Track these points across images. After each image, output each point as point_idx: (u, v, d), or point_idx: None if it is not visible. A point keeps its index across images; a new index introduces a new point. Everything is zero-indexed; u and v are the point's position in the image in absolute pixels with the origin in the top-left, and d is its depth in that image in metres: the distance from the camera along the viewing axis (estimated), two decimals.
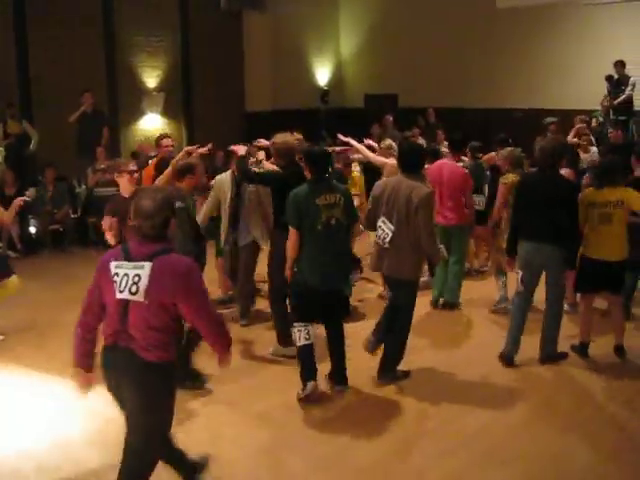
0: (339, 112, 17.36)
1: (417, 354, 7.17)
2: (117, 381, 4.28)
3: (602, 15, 14.48)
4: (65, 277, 10.22)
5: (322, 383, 6.49)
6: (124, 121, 14.87)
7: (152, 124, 15.17)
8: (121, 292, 4.14)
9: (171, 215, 4.27)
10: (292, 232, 6.34)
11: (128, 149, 14.12)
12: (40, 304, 9.10)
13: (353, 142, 8.89)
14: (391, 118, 15.22)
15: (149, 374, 4.20)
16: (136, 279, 4.12)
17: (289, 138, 7.47)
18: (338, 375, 6.58)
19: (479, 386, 6.72)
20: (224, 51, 16.35)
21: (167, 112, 15.53)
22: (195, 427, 5.96)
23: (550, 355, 7.08)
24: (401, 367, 6.81)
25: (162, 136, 9.84)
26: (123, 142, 14.69)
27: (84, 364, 4.42)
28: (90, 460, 5.56)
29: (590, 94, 14.03)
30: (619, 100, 13.74)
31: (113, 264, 4.20)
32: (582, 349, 7.21)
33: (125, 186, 6.98)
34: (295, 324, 6.41)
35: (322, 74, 18.14)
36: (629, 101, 13.78)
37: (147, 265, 4.12)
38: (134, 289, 4.12)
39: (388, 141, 9.52)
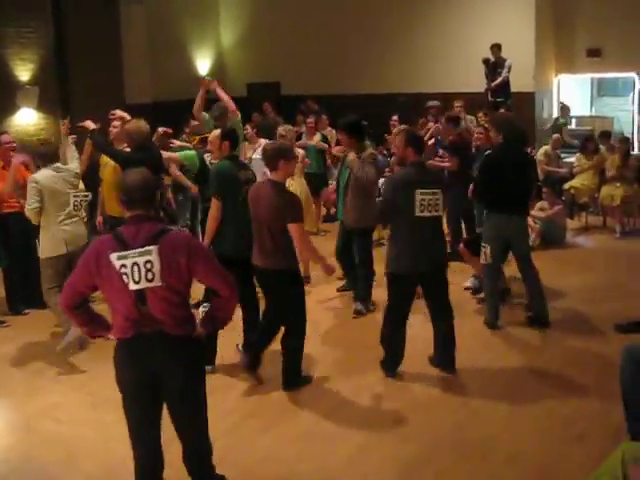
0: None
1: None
2: (153, 369, 4.09)
3: None
4: None
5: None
6: None
7: (27, 119, 14.60)
8: (137, 283, 3.98)
9: (157, 188, 4.23)
10: None
11: None
12: None
13: None
14: (270, 105, 15.20)
15: (189, 349, 4.16)
16: (149, 265, 3.98)
17: (142, 124, 7.65)
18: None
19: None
20: (101, 42, 15.83)
21: (42, 107, 14.95)
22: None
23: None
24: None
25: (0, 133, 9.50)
26: None
27: (99, 330, 4.38)
28: None
29: (470, 77, 14.34)
30: (496, 82, 14.06)
31: (114, 256, 3.99)
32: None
33: None
34: None
35: (203, 64, 17.88)
36: (506, 83, 14.11)
37: (154, 248, 3.99)
38: (150, 276, 3.99)
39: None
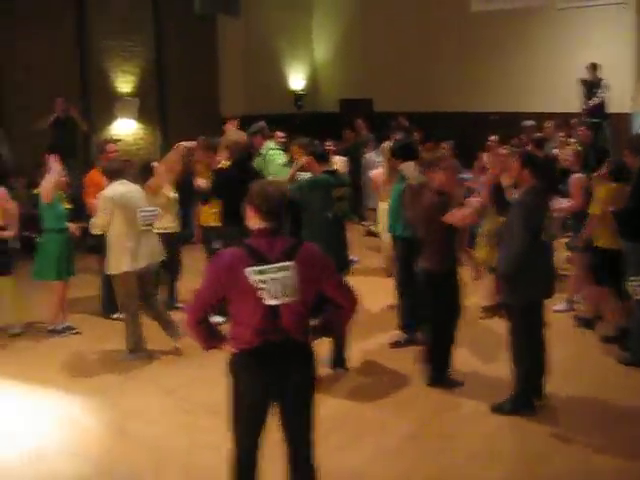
0: (314, 117, 17.34)
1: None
2: (279, 375, 4.10)
3: (575, 19, 14.57)
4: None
5: None
6: (97, 127, 14.72)
7: (126, 129, 15.06)
8: (275, 298, 3.97)
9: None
10: None
11: None
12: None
13: None
14: (362, 122, 15.25)
15: (312, 355, 4.22)
16: (288, 281, 3.98)
17: (240, 136, 8.02)
18: None
19: None
20: (198, 56, 16.26)
21: (141, 117, 15.41)
22: None
23: None
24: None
25: (107, 141, 9.59)
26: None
27: (216, 343, 4.30)
28: (67, 470, 5.49)
29: (563, 97, 14.14)
30: (593, 103, 13.83)
31: (250, 270, 3.96)
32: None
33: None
34: None
35: (296, 79, 18.11)
36: (602, 104, 13.87)
37: (290, 264, 4.00)
38: (288, 291, 3.99)
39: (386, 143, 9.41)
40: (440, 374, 6.72)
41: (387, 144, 9.18)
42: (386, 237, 8.79)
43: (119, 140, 12.17)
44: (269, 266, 3.97)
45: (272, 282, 3.96)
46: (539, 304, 6.19)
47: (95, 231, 7.59)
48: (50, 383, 7.06)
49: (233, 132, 8.22)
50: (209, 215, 8.55)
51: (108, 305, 8.65)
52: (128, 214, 7.45)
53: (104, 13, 14.61)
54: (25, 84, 13.42)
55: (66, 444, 5.91)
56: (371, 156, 12.22)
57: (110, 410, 6.50)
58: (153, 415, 6.36)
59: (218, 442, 5.48)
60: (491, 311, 8.31)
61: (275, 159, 9.55)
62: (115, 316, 8.54)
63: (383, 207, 8.86)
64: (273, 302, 3.98)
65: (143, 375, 7.25)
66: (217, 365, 6.78)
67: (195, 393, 6.71)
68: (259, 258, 3.99)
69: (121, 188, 7.49)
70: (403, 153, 7.85)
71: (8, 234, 8.30)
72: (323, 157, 7.26)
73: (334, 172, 7.30)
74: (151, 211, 7.77)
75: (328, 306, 4.33)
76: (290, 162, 9.02)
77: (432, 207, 6.53)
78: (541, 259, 6.05)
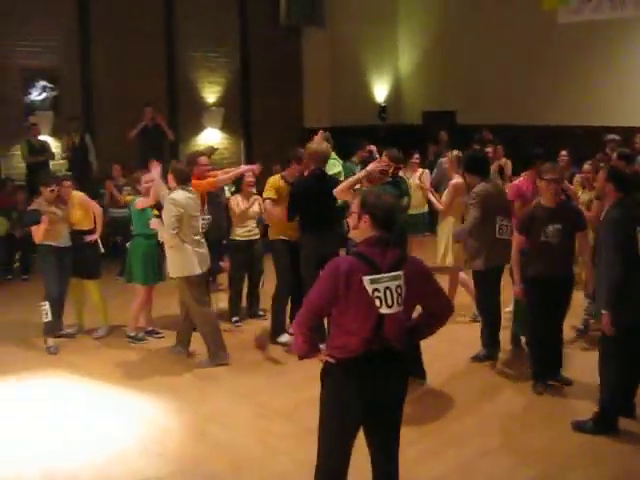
0: (397, 129, 17.34)
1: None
2: (378, 385, 4.08)
3: None
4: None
5: None
6: (184, 136, 15.05)
7: (211, 139, 15.34)
8: (389, 307, 3.99)
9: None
10: None
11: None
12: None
13: None
14: (445, 135, 15.18)
15: (406, 368, 4.23)
16: (399, 290, 4.02)
17: (321, 146, 8.06)
18: None
19: None
20: (283, 67, 16.46)
21: (226, 127, 15.69)
22: None
23: None
24: None
25: (199, 153, 9.50)
26: (182, 157, 14.87)
27: (314, 352, 4.26)
28: (147, 470, 5.63)
29: None
30: None
31: (366, 279, 3.98)
32: None
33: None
34: None
35: (380, 90, 18.13)
36: None
37: (401, 274, 4.04)
38: (400, 300, 4.03)
39: (455, 151, 9.34)
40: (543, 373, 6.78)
41: (453, 153, 9.13)
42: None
43: (217, 149, 12.36)
44: (384, 275, 3.99)
45: (386, 291, 3.98)
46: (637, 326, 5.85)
47: (170, 241, 7.64)
48: (132, 385, 7.25)
49: (315, 141, 8.27)
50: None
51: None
52: (189, 220, 7.59)
53: (191, 26, 14.95)
54: (115, 94, 13.83)
55: (147, 444, 6.03)
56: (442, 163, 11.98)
57: (190, 413, 6.62)
58: (231, 420, 6.45)
59: (294, 449, 5.57)
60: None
61: (330, 168, 9.55)
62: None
63: (447, 223, 8.85)
64: (387, 311, 3.99)
65: (223, 380, 7.36)
66: (294, 373, 6.95)
67: (272, 399, 6.79)
68: (373, 267, 4.01)
69: (184, 193, 7.62)
70: (473, 166, 7.77)
71: (92, 237, 8.60)
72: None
73: (397, 182, 7.31)
74: (206, 219, 7.97)
75: (422, 312, 4.35)
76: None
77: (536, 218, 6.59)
78: (636, 279, 5.76)
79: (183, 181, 7.65)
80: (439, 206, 8.93)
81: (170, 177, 7.71)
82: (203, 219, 7.97)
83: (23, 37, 12.98)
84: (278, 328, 8.29)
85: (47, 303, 8.22)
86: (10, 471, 5.62)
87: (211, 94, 15.56)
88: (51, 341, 8.27)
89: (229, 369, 7.61)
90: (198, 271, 7.58)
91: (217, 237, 9.03)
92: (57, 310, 8.42)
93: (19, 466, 5.69)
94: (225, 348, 7.77)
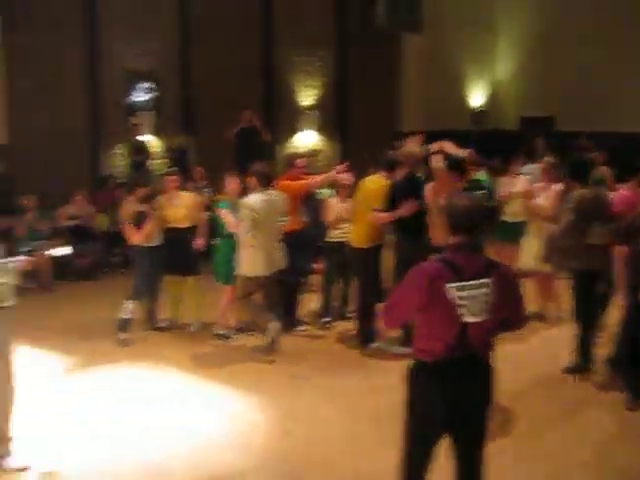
0: (492, 134, 17.15)
1: None
2: (460, 395, 4.05)
3: None
4: None
5: None
6: (280, 138, 15.26)
7: (307, 141, 15.50)
8: (474, 316, 3.94)
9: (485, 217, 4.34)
10: None
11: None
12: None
13: None
14: (542, 141, 14.90)
15: (492, 373, 4.17)
16: (485, 299, 3.95)
17: (414, 148, 7.97)
18: None
19: None
20: (379, 71, 16.49)
21: (322, 129, 15.83)
22: None
23: None
24: None
25: (296, 155, 9.67)
26: (279, 159, 15.08)
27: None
28: (232, 463, 5.74)
29: None
30: None
31: (451, 286, 3.92)
32: None
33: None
34: None
35: (476, 96, 17.98)
36: None
37: (488, 282, 3.96)
38: (486, 309, 3.96)
39: (549, 158, 9.19)
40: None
41: (548, 160, 9.00)
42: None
43: (318, 152, 12.47)
44: (469, 283, 3.93)
45: (471, 300, 3.93)
46: None
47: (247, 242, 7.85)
48: (221, 380, 7.40)
49: (410, 144, 8.24)
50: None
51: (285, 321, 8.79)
52: (265, 222, 7.73)
53: (290, 30, 15.15)
54: (214, 96, 14.12)
55: (233, 438, 6.16)
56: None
57: (278, 410, 6.70)
58: (319, 418, 6.51)
59: (381, 451, 5.58)
60: None
61: None
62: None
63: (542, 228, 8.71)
64: (471, 319, 3.94)
65: (313, 379, 7.41)
66: (381, 375, 6.95)
67: (362, 400, 6.81)
68: (458, 274, 3.95)
69: (264, 196, 7.76)
70: (575, 172, 7.67)
71: (200, 243, 8.89)
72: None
73: (477, 186, 7.26)
74: (283, 221, 8.04)
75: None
76: None
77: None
78: None
79: (265, 184, 7.80)
80: (542, 212, 8.78)
81: (252, 180, 7.87)
82: (280, 222, 8.00)
83: (126, 40, 13.40)
84: (369, 334, 8.22)
85: (131, 302, 8.51)
86: (105, 455, 5.85)
87: (308, 97, 15.73)
88: (124, 335, 8.52)
89: (319, 368, 7.68)
90: (261, 273, 7.79)
91: (313, 238, 9.13)
92: (150, 307, 8.86)
93: (113, 451, 5.92)
94: (273, 319, 7.91)
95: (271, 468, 5.67)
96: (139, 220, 8.50)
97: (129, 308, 8.50)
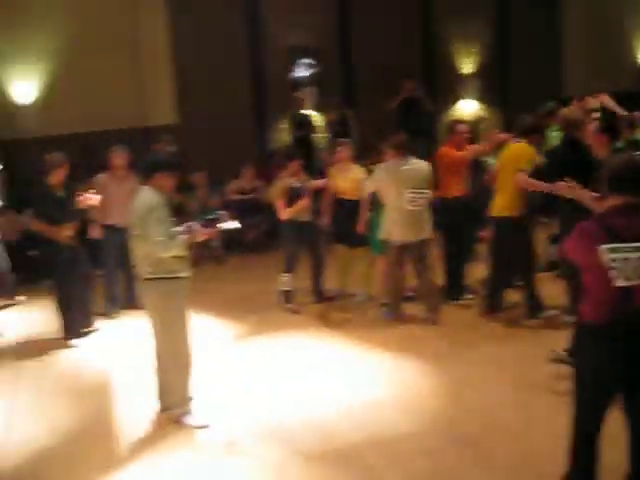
0: None
1: None
2: (629, 359, 3.95)
3: None
4: None
5: None
6: (442, 106, 15.13)
7: (468, 109, 15.31)
8: (628, 280, 3.82)
9: None
10: None
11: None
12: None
13: None
14: None
15: None
16: None
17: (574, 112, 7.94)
18: None
19: None
20: (540, 34, 15.97)
21: (483, 97, 15.58)
22: None
23: None
24: None
25: (457, 121, 9.46)
26: (440, 128, 14.98)
27: None
28: (401, 424, 5.89)
29: None
30: None
31: (604, 248, 3.83)
32: None
33: None
34: None
35: None
36: None
37: None
38: None
39: None
40: None
41: None
42: None
43: (484, 119, 12.26)
44: (624, 245, 3.82)
45: (625, 262, 3.82)
46: None
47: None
48: (389, 348, 7.57)
49: (567, 109, 7.96)
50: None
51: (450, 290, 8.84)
52: (398, 190, 7.91)
53: None
54: (373, 68, 14.18)
55: (403, 402, 6.31)
56: None
57: (446, 376, 6.79)
58: (487, 386, 6.53)
59: (549, 420, 5.58)
60: None
61: (549, 141, 9.07)
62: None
63: None
64: (625, 284, 3.83)
65: (481, 348, 7.43)
66: (550, 344, 6.83)
67: (530, 369, 6.77)
68: (614, 236, 3.85)
69: (399, 164, 7.95)
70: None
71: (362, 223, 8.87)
72: None
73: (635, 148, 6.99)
74: (421, 193, 7.98)
75: None
76: None
77: None
78: None
79: (398, 153, 7.98)
80: None
81: (388, 151, 8.08)
82: (413, 192, 7.93)
83: (287, 18, 13.67)
84: (537, 303, 8.01)
85: (285, 275, 8.89)
86: (273, 417, 6.16)
87: (467, 65, 15.52)
88: (289, 305, 8.95)
89: (487, 337, 7.70)
90: (394, 239, 8.02)
91: (479, 207, 9.04)
92: (316, 278, 9.14)
93: (281, 412, 6.24)
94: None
95: (440, 432, 5.76)
96: (292, 195, 8.75)
97: (285, 281, 8.89)
